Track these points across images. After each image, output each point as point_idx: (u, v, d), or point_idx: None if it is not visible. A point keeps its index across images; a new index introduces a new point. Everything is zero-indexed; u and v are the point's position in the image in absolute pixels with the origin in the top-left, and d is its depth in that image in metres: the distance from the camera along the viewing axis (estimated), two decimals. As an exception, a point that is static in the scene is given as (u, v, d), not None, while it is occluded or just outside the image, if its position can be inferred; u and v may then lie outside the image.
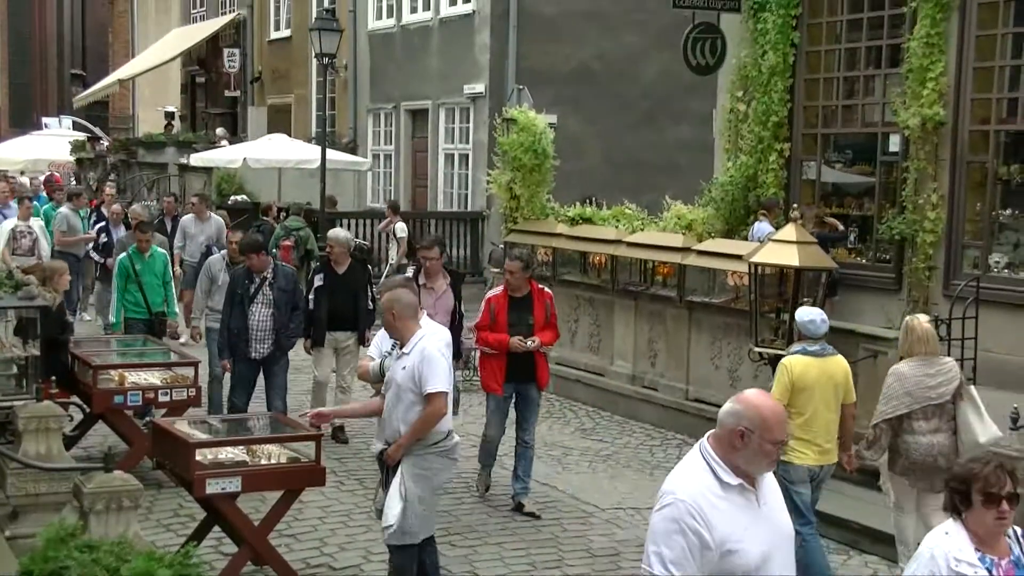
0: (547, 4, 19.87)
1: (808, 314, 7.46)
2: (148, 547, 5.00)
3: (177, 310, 11.69)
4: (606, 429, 11.68)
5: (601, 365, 12.95)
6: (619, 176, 18.78)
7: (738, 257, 10.87)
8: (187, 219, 15.50)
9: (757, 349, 10.02)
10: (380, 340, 7.06)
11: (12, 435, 6.80)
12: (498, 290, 9.30)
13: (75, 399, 9.15)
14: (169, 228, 16.00)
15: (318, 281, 10.63)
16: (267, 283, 9.88)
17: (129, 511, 5.16)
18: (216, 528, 7.37)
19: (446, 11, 20.94)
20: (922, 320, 7.68)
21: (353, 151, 23.11)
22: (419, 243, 11.26)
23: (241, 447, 7.17)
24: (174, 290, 11.64)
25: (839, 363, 7.46)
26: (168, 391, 8.96)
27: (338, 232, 11.43)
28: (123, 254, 11.28)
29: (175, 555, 4.46)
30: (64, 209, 16.43)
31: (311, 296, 10.52)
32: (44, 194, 20.35)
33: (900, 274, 10.84)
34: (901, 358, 7.61)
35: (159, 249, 11.56)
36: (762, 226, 11.93)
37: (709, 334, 11.53)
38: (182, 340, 12.10)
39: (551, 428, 11.63)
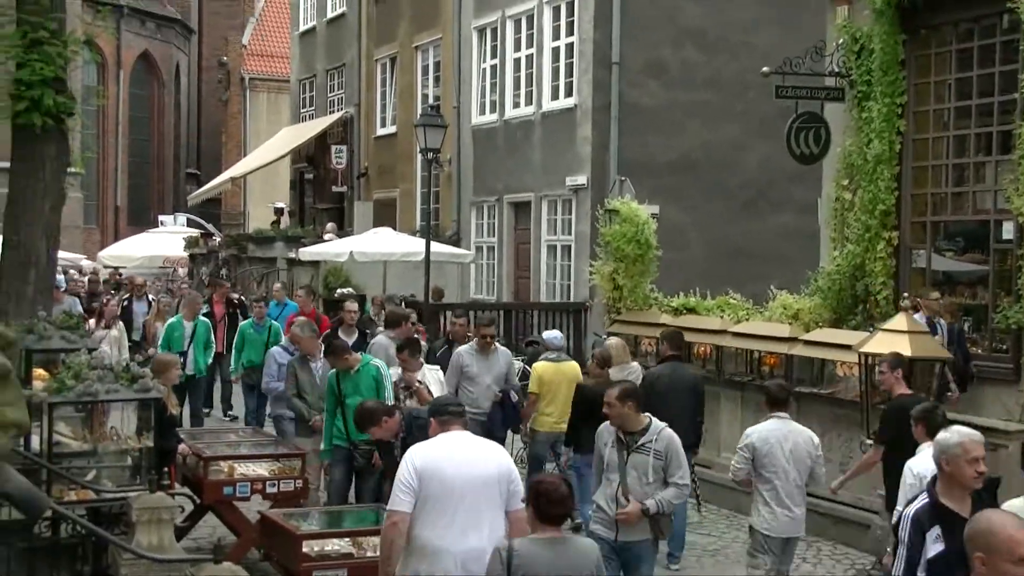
0: (648, 96, 20.02)
1: (552, 333, 12.28)
2: (256, 641, 5.00)
3: None
4: (713, 523, 11.42)
5: (707, 457, 12.71)
6: (722, 266, 18.63)
7: (847, 347, 10.66)
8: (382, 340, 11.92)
9: (868, 440, 9.74)
10: None
11: (126, 526, 6.90)
12: None
13: (186, 490, 9.28)
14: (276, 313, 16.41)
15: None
16: None
17: (238, 603, 5.19)
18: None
19: (548, 105, 21.22)
20: None
21: (457, 243, 23.38)
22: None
23: (347, 539, 7.17)
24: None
25: (572, 366, 10.96)
26: (276, 482, 9.05)
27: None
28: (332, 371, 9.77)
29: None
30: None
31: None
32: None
33: (1018, 364, 10.49)
34: None
35: (372, 362, 9.75)
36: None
37: (818, 426, 11.25)
38: None
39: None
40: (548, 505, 5.06)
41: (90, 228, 44.76)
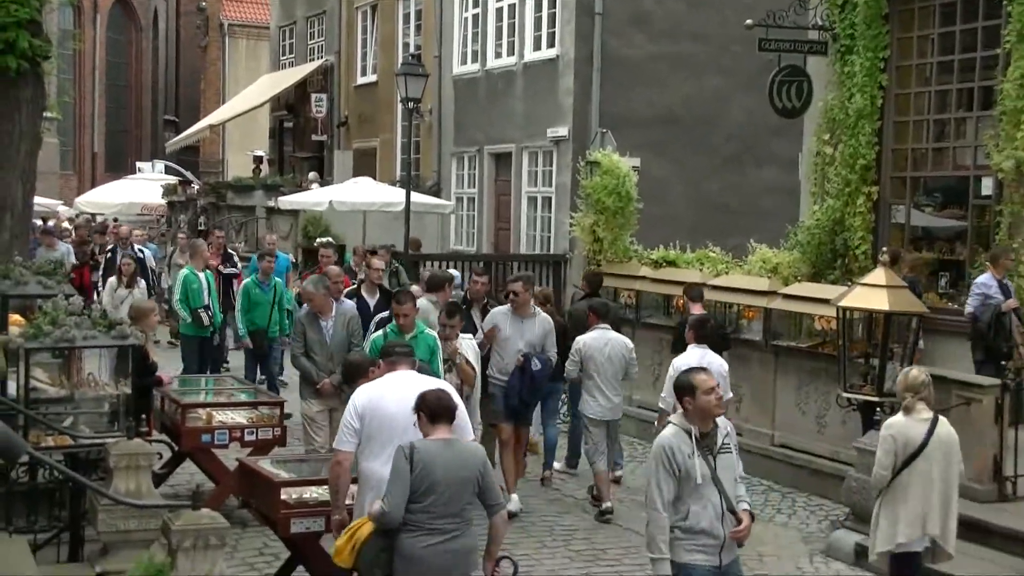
0: (631, 48, 19.89)
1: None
2: (234, 585, 5.03)
3: None
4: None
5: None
6: (703, 219, 18.62)
7: (825, 301, 10.71)
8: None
9: (845, 395, 9.83)
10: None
11: (103, 472, 6.90)
12: None
13: (163, 437, 9.29)
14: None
15: None
16: None
17: (216, 549, 5.20)
18: (300, 568, 7.37)
19: (530, 56, 21.07)
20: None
21: (437, 194, 23.28)
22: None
23: (325, 487, 7.17)
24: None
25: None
26: (254, 430, 9.05)
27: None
28: (378, 332, 9.15)
29: (261, 594, 4.47)
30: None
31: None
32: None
33: (994, 320, 10.56)
34: None
35: (427, 330, 8.88)
36: (986, 279, 10.50)
37: (795, 379, 11.34)
38: None
39: (634, 472, 11.49)
40: (434, 411, 5.80)
41: (67, 174, 44.44)
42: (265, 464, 7.70)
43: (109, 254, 17.15)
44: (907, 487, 6.88)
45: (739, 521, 5.79)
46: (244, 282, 13.91)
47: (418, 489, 5.58)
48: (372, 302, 11.19)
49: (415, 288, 11.03)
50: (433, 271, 12.69)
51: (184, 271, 13.61)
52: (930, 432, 6.93)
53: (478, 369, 9.13)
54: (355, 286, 12.10)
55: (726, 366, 9.40)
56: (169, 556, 5.13)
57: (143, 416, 8.24)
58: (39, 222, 20.03)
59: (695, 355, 8.98)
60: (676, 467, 5.70)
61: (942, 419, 7.13)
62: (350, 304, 10.30)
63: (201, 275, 13.35)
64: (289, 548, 7.35)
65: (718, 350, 9.97)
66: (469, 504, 5.77)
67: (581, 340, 10.09)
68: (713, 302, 12.71)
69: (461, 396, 8.45)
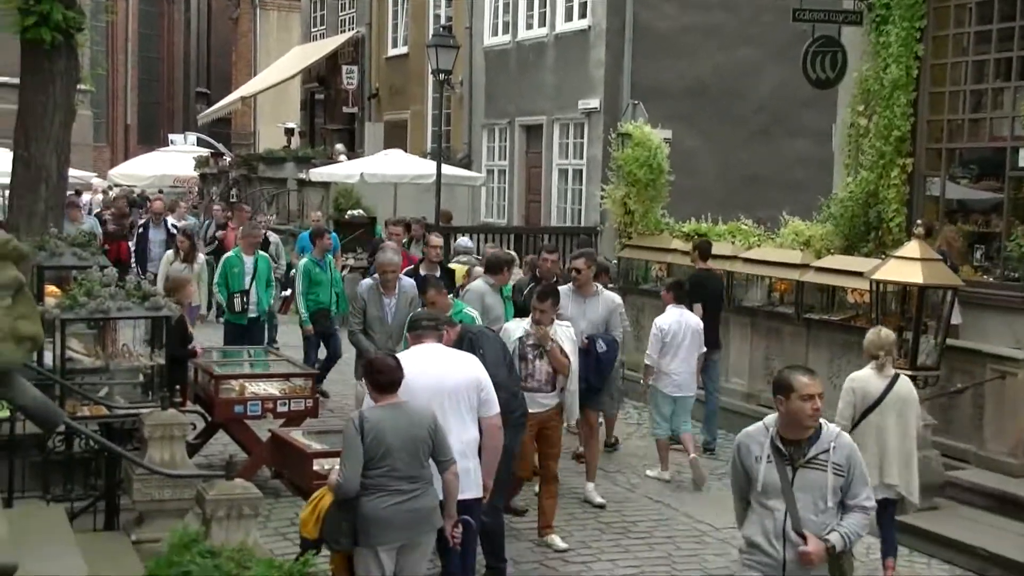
0: (662, 19, 19.73)
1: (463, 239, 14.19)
2: (267, 555, 5.08)
3: None
4: (721, 447, 11.50)
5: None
6: (735, 192, 18.52)
7: (858, 274, 10.65)
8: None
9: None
10: None
11: (138, 442, 6.97)
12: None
13: (197, 408, 9.36)
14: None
15: None
16: None
17: (249, 519, 5.25)
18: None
19: (561, 27, 20.95)
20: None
21: (467, 166, 23.26)
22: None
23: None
24: None
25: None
26: (287, 401, 9.11)
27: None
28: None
29: (294, 564, 4.51)
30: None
31: None
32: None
33: (1029, 293, 10.46)
34: None
35: (466, 310, 8.78)
36: None
37: (828, 352, 11.28)
38: None
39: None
40: (379, 375, 5.85)
41: (100, 146, 44.66)
42: (297, 435, 7.77)
43: (141, 229, 17.04)
44: (864, 437, 7.23)
45: (804, 540, 5.02)
46: (301, 263, 13.16)
47: (374, 455, 5.68)
48: None
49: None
50: (495, 251, 11.67)
51: (228, 254, 12.95)
52: (888, 388, 7.52)
53: (575, 359, 8.43)
54: (412, 266, 11.52)
55: (701, 324, 10.54)
56: (203, 525, 5.18)
57: (177, 387, 8.32)
58: (86, 197, 19.98)
59: (673, 315, 10.38)
60: (740, 465, 5.25)
61: (903, 376, 7.77)
62: (410, 282, 9.82)
63: (247, 259, 12.57)
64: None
65: (715, 312, 11.37)
66: (427, 464, 5.87)
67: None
68: (744, 275, 12.68)
69: (554, 386, 8.27)
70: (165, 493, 6.49)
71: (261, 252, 13.04)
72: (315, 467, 6.94)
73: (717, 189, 18.64)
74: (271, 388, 9.32)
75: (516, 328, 8.39)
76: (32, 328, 4.49)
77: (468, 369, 6.51)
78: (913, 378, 9.17)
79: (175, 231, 15.95)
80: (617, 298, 9.86)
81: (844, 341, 11.01)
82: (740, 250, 12.90)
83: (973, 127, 11.71)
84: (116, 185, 30.43)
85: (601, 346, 9.39)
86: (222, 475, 5.38)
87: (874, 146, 11.93)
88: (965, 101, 11.62)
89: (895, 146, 11.77)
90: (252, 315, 12.49)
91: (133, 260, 16.32)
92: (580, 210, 20.45)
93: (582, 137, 20.41)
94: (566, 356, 8.28)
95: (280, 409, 9.06)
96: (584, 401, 8.98)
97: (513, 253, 12.81)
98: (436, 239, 11.78)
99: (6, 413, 6.59)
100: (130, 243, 16.94)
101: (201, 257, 14.40)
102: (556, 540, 8.31)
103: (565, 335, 8.40)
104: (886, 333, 7.80)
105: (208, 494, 5.24)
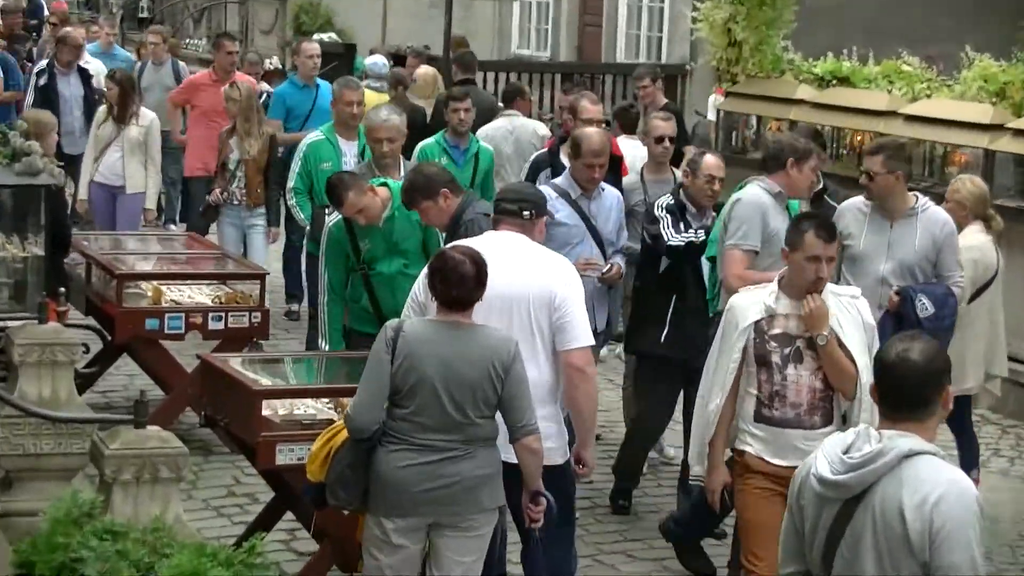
0: None
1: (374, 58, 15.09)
2: (194, 536, 5.10)
3: None
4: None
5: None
6: (891, 16, 18.30)
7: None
8: None
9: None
10: None
11: (4, 368, 6.99)
12: None
13: (91, 321, 9.39)
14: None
15: None
16: None
17: (169, 484, 5.29)
18: (289, 515, 7.48)
19: None
20: None
21: (492, -30, 23.08)
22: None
23: (326, 400, 7.23)
24: None
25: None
26: (222, 315, 9.12)
27: None
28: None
29: (235, 551, 4.51)
30: None
31: None
32: None
33: None
34: None
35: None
36: None
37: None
38: None
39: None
40: (443, 285, 5.80)
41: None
42: (238, 365, 7.76)
43: (43, 81, 15.73)
44: (976, 320, 8.70)
45: None
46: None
47: (401, 388, 5.67)
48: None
49: None
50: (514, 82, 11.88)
51: (315, 137, 10.81)
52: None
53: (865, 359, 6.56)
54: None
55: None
56: (101, 493, 5.20)
57: (61, 290, 8.31)
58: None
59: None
60: None
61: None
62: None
63: (346, 145, 10.65)
64: (273, 487, 7.43)
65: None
66: (483, 418, 5.74)
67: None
68: (906, 138, 12.56)
69: (828, 416, 6.29)
70: (44, 445, 6.55)
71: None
72: (265, 411, 6.93)
73: (866, 11, 18.42)
74: (200, 295, 9.34)
75: (751, 303, 6.56)
76: None
77: (539, 278, 6.33)
78: None
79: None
80: (946, 217, 8.33)
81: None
82: (900, 103, 12.81)
83: None
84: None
85: (925, 307, 7.92)
86: (129, 420, 5.39)
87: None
88: None
89: None
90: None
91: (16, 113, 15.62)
92: (660, 39, 20.33)
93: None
94: (852, 360, 6.40)
95: (213, 325, 9.09)
96: None
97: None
98: (461, 104, 11.02)
99: None
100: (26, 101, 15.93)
101: (149, 115, 13.70)
102: None
103: (852, 318, 6.54)
104: (981, 182, 8.76)
105: (108, 448, 5.26)
